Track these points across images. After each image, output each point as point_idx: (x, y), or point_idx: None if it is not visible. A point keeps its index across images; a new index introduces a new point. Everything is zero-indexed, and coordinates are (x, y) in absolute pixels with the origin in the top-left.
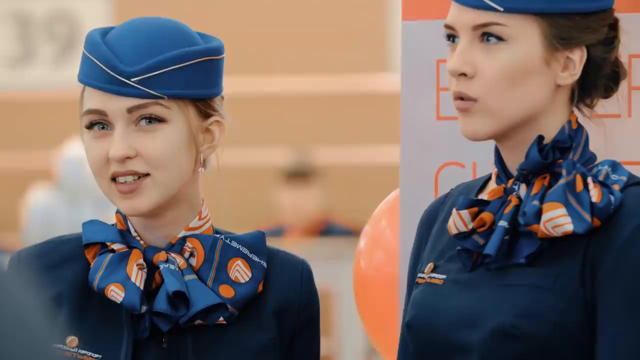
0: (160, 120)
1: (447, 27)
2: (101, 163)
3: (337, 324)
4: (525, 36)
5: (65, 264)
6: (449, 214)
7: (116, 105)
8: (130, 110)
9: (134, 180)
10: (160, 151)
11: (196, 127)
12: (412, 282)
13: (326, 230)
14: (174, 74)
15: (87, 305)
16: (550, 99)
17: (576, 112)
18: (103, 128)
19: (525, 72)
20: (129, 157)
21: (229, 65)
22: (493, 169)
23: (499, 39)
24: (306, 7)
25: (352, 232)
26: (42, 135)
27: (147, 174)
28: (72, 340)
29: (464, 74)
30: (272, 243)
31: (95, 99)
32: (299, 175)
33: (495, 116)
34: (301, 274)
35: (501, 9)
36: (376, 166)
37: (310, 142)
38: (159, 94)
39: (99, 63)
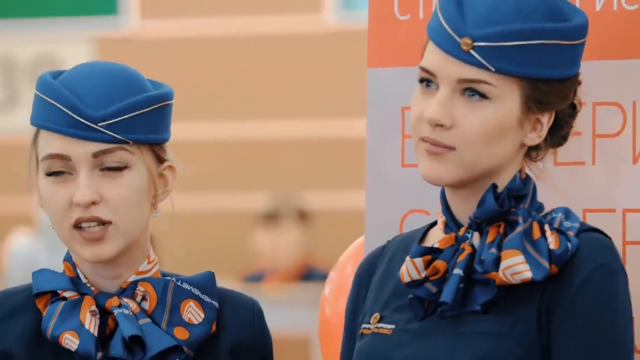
0: (123, 165)
1: (426, 71)
2: (65, 208)
3: None
4: (507, 97)
5: (14, 317)
6: (389, 266)
7: (81, 150)
8: (95, 155)
9: (99, 227)
10: (125, 196)
11: (154, 172)
12: (350, 335)
13: (307, 274)
14: (138, 119)
15: (40, 356)
16: (514, 155)
17: (525, 161)
18: (62, 174)
19: (501, 131)
20: (94, 203)
21: (213, 110)
22: (440, 218)
23: (483, 96)
24: (290, 52)
25: None
26: (24, 180)
27: (110, 222)
28: None
29: (440, 125)
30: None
31: (58, 144)
32: (278, 219)
33: (465, 168)
34: (252, 313)
35: (492, 69)
36: (357, 210)
37: (291, 187)
38: (125, 139)
39: (61, 107)
